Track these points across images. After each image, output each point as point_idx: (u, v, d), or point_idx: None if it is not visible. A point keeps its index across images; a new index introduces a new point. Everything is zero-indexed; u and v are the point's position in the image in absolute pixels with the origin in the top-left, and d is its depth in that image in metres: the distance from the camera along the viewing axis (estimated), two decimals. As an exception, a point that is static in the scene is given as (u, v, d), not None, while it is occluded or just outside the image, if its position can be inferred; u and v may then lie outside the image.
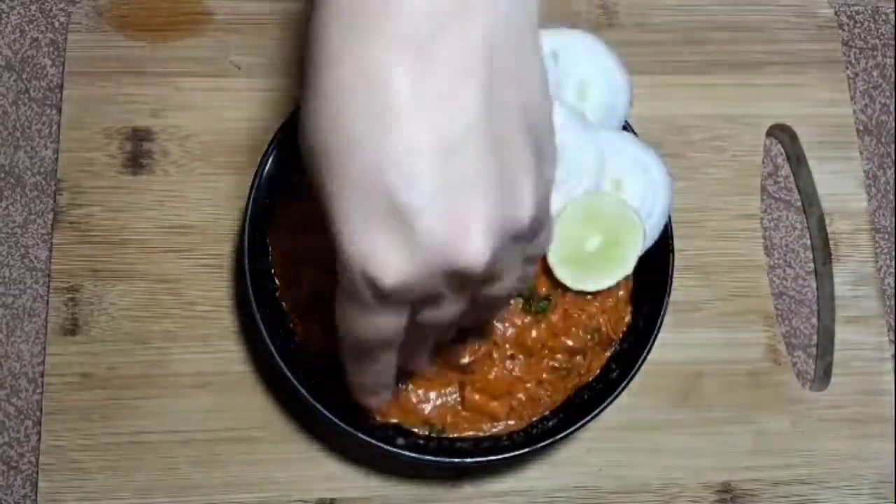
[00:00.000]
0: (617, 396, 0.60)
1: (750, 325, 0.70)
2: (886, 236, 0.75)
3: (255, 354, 0.67)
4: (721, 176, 0.73)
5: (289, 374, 0.59)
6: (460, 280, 0.39)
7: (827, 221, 0.73)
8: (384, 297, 0.39)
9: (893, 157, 0.77)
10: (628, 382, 0.60)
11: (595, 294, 0.62)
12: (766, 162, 0.76)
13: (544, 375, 0.62)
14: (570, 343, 0.62)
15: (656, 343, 0.61)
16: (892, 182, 0.77)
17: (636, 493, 0.67)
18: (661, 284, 0.62)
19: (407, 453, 0.58)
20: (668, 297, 0.62)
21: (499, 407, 0.61)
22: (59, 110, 0.71)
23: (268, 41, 0.73)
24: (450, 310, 0.42)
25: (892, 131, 0.78)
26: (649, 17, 0.76)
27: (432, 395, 0.62)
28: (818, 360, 0.72)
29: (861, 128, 0.77)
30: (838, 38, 0.77)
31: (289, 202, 0.63)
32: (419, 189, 0.36)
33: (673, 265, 0.63)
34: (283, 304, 0.62)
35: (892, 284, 0.75)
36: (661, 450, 0.68)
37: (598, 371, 0.63)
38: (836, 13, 0.78)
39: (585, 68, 0.64)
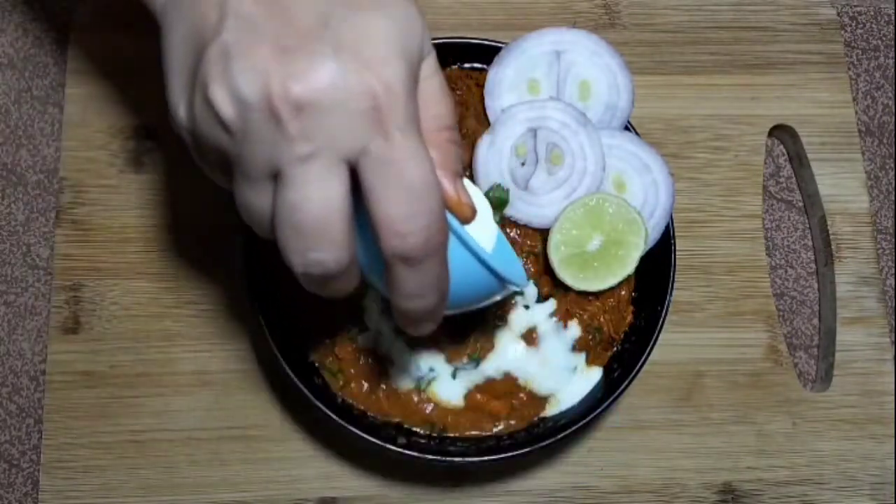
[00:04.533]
0: (618, 396, 0.60)
1: (751, 326, 0.70)
2: (888, 237, 0.75)
3: (256, 353, 0.67)
4: (723, 176, 0.73)
5: (290, 373, 0.59)
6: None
7: (829, 222, 0.73)
8: (299, 108, 0.39)
9: (895, 158, 0.77)
10: (630, 382, 0.60)
11: (597, 294, 0.62)
12: (767, 162, 0.76)
13: (546, 375, 0.62)
14: (571, 343, 0.62)
15: (658, 343, 0.61)
16: (893, 183, 0.77)
17: (637, 492, 0.67)
18: (663, 284, 0.62)
19: (408, 452, 0.58)
20: (670, 297, 0.62)
21: (500, 406, 0.61)
22: (62, 109, 0.71)
23: (270, 40, 0.73)
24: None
25: (894, 132, 0.78)
26: (651, 17, 0.76)
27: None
28: (819, 361, 0.72)
29: (863, 129, 0.77)
30: (840, 39, 0.77)
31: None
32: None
33: (674, 265, 0.63)
34: (285, 302, 0.62)
35: (894, 285, 0.74)
36: (662, 450, 0.68)
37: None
38: (838, 14, 0.78)
39: (587, 68, 0.64)
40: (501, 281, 0.48)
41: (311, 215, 0.40)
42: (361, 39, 0.40)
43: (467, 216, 0.46)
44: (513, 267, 0.56)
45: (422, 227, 0.41)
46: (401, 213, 0.40)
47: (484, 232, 0.54)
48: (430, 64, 0.45)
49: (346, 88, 0.39)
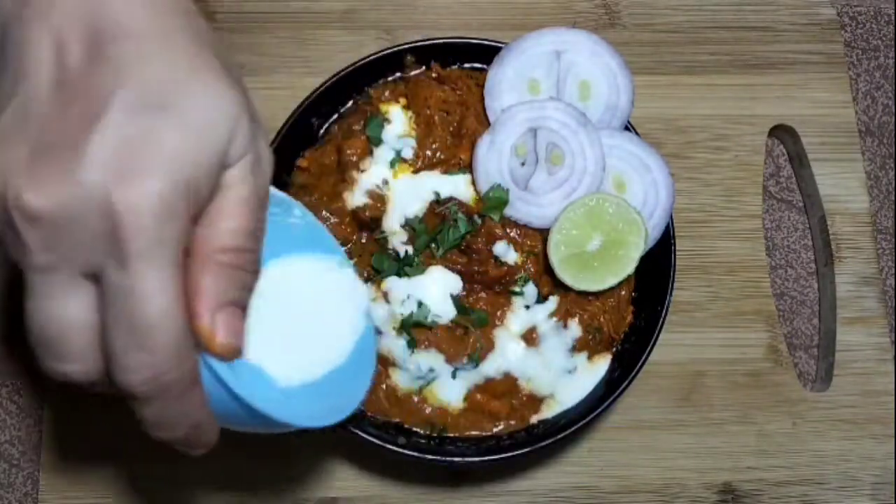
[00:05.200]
0: (618, 396, 0.60)
1: (751, 326, 0.70)
2: (888, 237, 0.75)
3: (257, 353, 0.67)
4: (723, 176, 0.73)
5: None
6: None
7: (829, 222, 0.73)
8: (33, 220, 0.35)
9: (895, 158, 0.77)
10: (630, 382, 0.60)
11: (597, 294, 0.62)
12: (768, 162, 0.76)
13: (546, 375, 0.62)
14: (571, 343, 0.62)
15: (658, 343, 0.61)
16: (893, 183, 0.77)
17: (637, 492, 0.67)
18: (663, 284, 0.62)
19: (408, 452, 0.58)
20: (670, 297, 0.62)
21: (500, 406, 0.61)
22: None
23: (269, 40, 0.73)
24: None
25: (894, 132, 0.78)
26: (652, 18, 0.76)
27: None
28: (819, 361, 0.72)
29: (863, 129, 0.77)
30: (840, 39, 0.77)
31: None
32: None
33: (674, 265, 0.63)
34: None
35: (893, 285, 0.74)
36: (662, 450, 0.68)
37: (599, 371, 0.63)
38: (838, 14, 0.78)
39: (588, 68, 0.64)
40: (273, 421, 0.42)
41: (49, 329, 0.37)
42: (133, 147, 0.36)
43: (226, 355, 0.40)
44: (314, 405, 0.50)
45: (144, 365, 0.37)
46: (123, 347, 0.37)
47: (289, 356, 0.48)
48: (240, 170, 0.39)
49: (85, 205, 0.35)
